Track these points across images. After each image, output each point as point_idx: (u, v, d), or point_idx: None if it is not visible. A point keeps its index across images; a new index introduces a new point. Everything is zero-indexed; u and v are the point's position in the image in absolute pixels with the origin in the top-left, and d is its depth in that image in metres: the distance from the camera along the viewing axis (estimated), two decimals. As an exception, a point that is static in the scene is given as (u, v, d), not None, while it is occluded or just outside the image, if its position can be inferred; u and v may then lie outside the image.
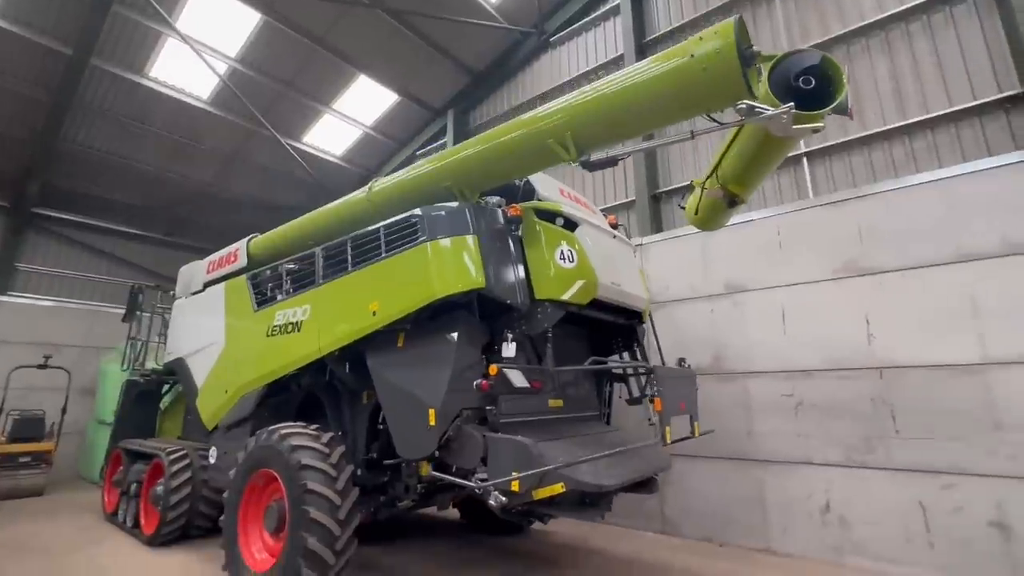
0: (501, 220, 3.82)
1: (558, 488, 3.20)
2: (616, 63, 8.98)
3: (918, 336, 4.87)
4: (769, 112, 2.54)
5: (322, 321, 4.45)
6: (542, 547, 5.69)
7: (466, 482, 3.39)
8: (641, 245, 6.86)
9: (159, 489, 5.81)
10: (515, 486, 3.21)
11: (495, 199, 4.04)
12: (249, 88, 9.87)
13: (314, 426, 4.37)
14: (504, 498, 3.29)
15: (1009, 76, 5.82)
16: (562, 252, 3.75)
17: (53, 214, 11.77)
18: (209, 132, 10.75)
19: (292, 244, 5.42)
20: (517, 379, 3.32)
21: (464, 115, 10.98)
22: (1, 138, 9.78)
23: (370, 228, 4.28)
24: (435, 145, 11.43)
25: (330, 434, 4.28)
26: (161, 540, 5.57)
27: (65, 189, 11.16)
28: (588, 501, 3.63)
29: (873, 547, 4.77)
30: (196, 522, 5.72)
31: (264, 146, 11.39)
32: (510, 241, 3.78)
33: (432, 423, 3.51)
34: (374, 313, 3.96)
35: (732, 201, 3.90)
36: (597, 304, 4.08)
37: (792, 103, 2.51)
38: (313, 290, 4.68)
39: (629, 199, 8.42)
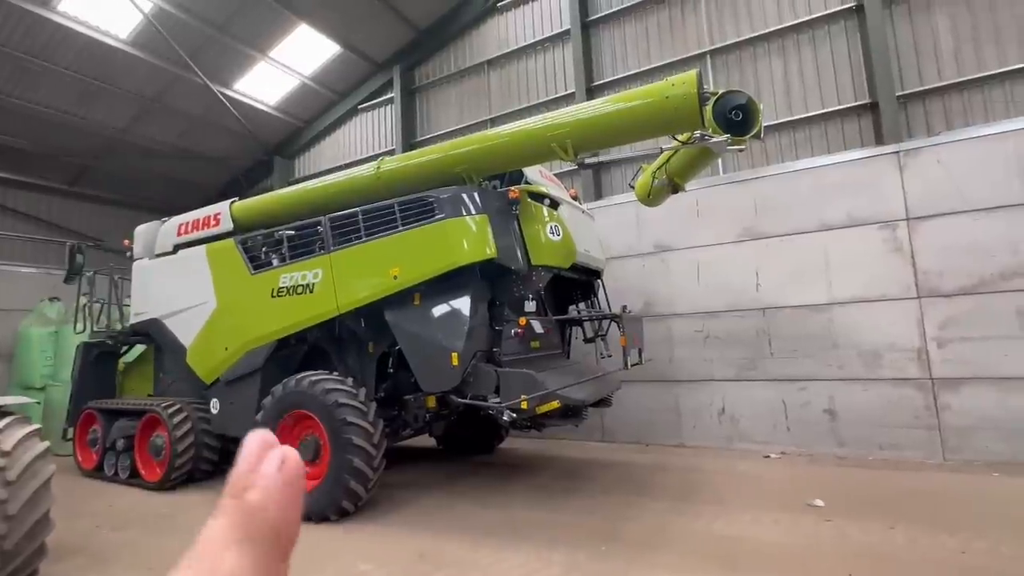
0: (503, 201, 4.72)
1: (555, 404, 4.41)
2: (562, 39, 9.70)
3: (789, 284, 6.65)
4: (714, 139, 3.68)
5: (339, 284, 5.12)
6: (510, 459, 7.05)
7: (486, 404, 4.48)
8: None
9: (159, 440, 6.24)
10: (524, 405, 4.36)
11: (493, 183, 4.91)
12: (176, 30, 9.17)
13: (333, 373, 5.16)
14: (514, 414, 4.44)
15: (861, 88, 7.61)
16: (551, 228, 4.78)
17: (-69, 161, 10.26)
18: (126, 74, 9.85)
19: (287, 211, 5.84)
20: (538, 326, 4.39)
21: (410, 72, 11.08)
22: None
23: (383, 203, 4.96)
24: (381, 100, 11.46)
25: (350, 379, 5.10)
26: (170, 484, 6.09)
27: (-53, 133, 9.75)
28: (570, 413, 4.90)
29: (752, 435, 6.70)
30: (200, 466, 6.27)
31: (188, 92, 10.66)
32: (510, 218, 4.72)
33: (455, 363, 4.50)
34: (395, 277, 4.75)
35: (675, 188, 5.14)
36: (571, 267, 5.21)
37: (728, 135, 3.67)
38: (323, 255, 5.29)
39: (574, 168, 9.42)
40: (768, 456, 6.37)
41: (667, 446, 7.19)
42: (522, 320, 4.40)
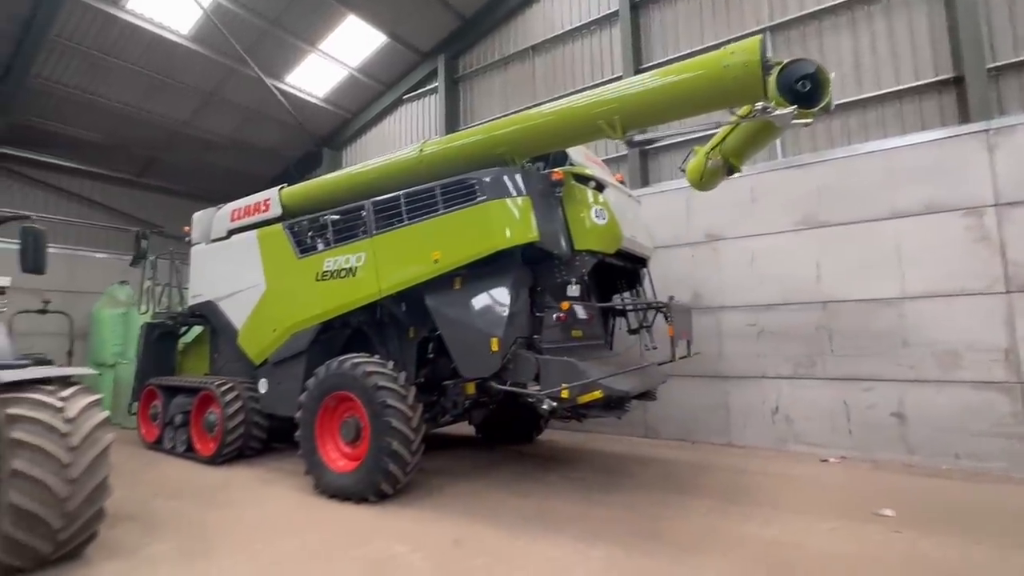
0: (546, 184, 4.56)
1: (597, 394, 4.23)
2: (609, 20, 9.39)
3: (854, 277, 6.15)
4: (779, 112, 3.38)
5: (381, 267, 5.13)
6: (549, 451, 6.92)
7: (526, 391, 4.36)
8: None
9: (212, 417, 6.51)
10: (565, 394, 4.21)
11: (537, 164, 4.76)
12: (233, 24, 9.53)
13: (375, 356, 5.18)
14: (554, 403, 4.30)
15: (945, 61, 6.90)
16: (596, 211, 4.58)
17: (20, 154, 11.15)
18: (187, 69, 10.34)
19: (333, 196, 5.91)
20: (581, 312, 4.24)
21: (454, 60, 11.06)
22: (-40, 70, 9.13)
23: (425, 186, 4.91)
24: (425, 90, 11.52)
25: (391, 362, 5.11)
26: (221, 460, 6.35)
27: (33, 127, 10.54)
28: (613, 405, 4.71)
29: (808, 436, 6.27)
30: (250, 444, 6.51)
31: (244, 85, 11.08)
32: (554, 201, 4.56)
33: (495, 349, 4.41)
34: (436, 261, 4.70)
35: (731, 169, 4.82)
36: (616, 253, 4.99)
37: (796, 106, 3.36)
38: (366, 239, 5.31)
39: (621, 153, 9.18)
40: (826, 460, 5.94)
41: (714, 444, 6.86)
42: (564, 304, 4.24)
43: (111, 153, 12.12)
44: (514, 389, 4.49)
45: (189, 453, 6.80)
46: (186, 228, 7.92)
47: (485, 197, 4.44)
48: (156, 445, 7.39)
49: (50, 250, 11.79)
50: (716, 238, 7.14)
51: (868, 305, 6.05)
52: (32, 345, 10.67)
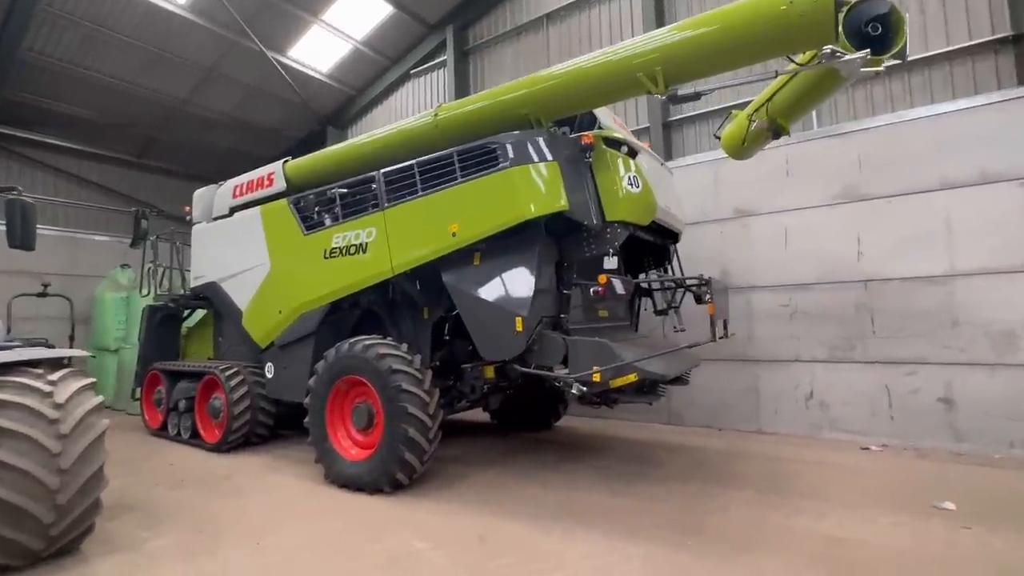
0: (574, 148, 4.16)
1: (632, 378, 3.88)
2: (628, -17, 8.85)
3: (898, 253, 5.73)
4: (847, 56, 2.96)
5: (393, 243, 4.77)
6: (569, 438, 6.61)
7: (553, 375, 4.01)
8: (656, 172, 7.32)
9: (217, 403, 6.23)
10: (596, 377, 3.86)
11: (562, 130, 4.35)
12: (232, -7, 9.10)
13: (387, 338, 4.84)
14: (584, 388, 3.95)
15: (1003, 18, 6.37)
16: (629, 178, 4.18)
17: (14, 133, 10.79)
18: (185, 42, 9.91)
19: (341, 168, 5.53)
20: (619, 287, 3.87)
21: (463, 32, 10.56)
22: (-52, 44, 8.73)
23: (441, 153, 4.52)
24: (433, 64, 11.04)
25: (405, 344, 4.77)
26: (227, 447, 6.07)
27: (26, 104, 10.17)
28: (645, 389, 4.37)
29: (846, 423, 5.91)
30: (256, 430, 6.23)
31: (244, 60, 10.64)
32: (583, 167, 4.16)
33: (519, 329, 4.05)
34: (454, 234, 4.33)
35: (777, 133, 4.39)
36: (647, 227, 4.60)
37: (868, 50, 2.95)
38: (377, 213, 4.94)
39: (642, 126, 8.72)
40: (867, 448, 5.59)
41: (743, 432, 6.52)
42: (602, 278, 3.87)
43: (109, 133, 11.75)
44: (540, 372, 4.15)
45: (194, 440, 6.54)
46: (187, 207, 7.58)
47: (508, 163, 4.04)
48: (160, 431, 7.14)
49: (50, 232, 11.56)
50: (746, 214, 6.72)
51: (913, 283, 5.65)
52: (36, 329, 10.45)
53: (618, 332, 5.10)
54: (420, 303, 5.21)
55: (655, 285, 5.18)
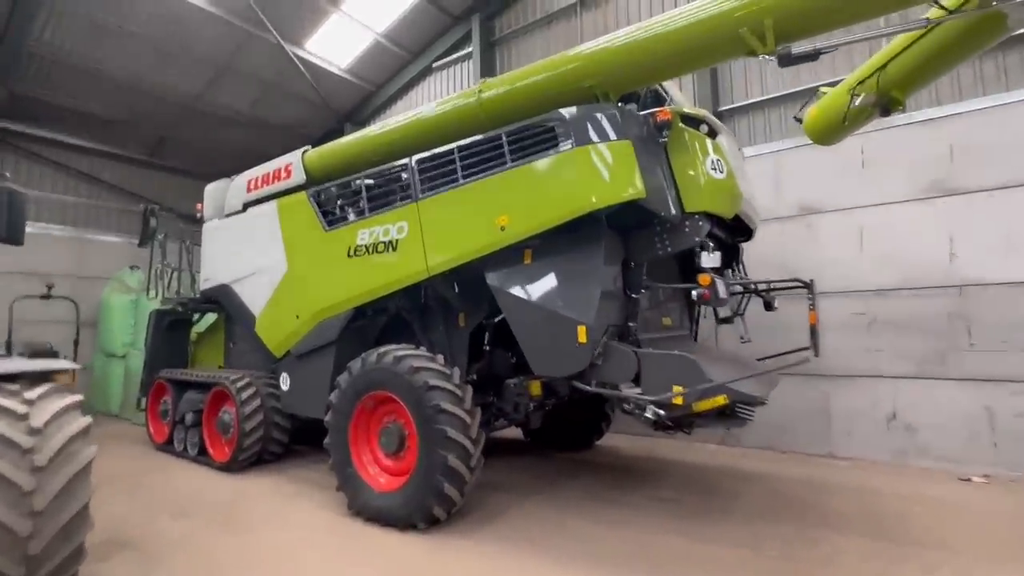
0: (646, 128, 3.52)
1: (721, 401, 3.22)
2: (669, -36, 8.20)
3: (1000, 254, 5.01)
4: (1027, -3, 2.32)
5: (429, 239, 4.16)
6: (612, 460, 5.93)
7: (621, 394, 3.35)
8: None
9: (226, 417, 5.64)
10: (679, 400, 3.20)
11: (628, 107, 3.72)
12: (248, -20, 8.64)
13: (420, 348, 4.22)
14: (661, 411, 3.29)
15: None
16: (712, 162, 3.54)
17: (23, 129, 10.39)
18: (200, 34, 9.45)
19: (368, 156, 4.94)
20: (722, 289, 3.22)
21: (489, 22, 10.03)
22: (-46, 34, 8.34)
23: (487, 135, 3.91)
24: (457, 56, 10.49)
25: (440, 356, 4.15)
26: (237, 467, 5.48)
27: (35, 99, 9.76)
28: (728, 412, 3.69)
29: (937, 449, 5.17)
30: (269, 448, 5.63)
31: (261, 54, 10.15)
32: (657, 148, 3.52)
33: (582, 340, 3.41)
34: (502, 228, 3.70)
35: (886, 108, 3.71)
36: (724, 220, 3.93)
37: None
38: (409, 205, 4.34)
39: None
40: (967, 479, 4.84)
41: (811, 456, 5.80)
42: (705, 278, 3.21)
43: (120, 130, 11.33)
44: (605, 392, 3.50)
45: (201, 457, 5.95)
46: (199, 205, 7.05)
47: (572, 142, 3.41)
48: (165, 446, 6.57)
49: (57, 232, 11.09)
50: (812, 211, 6.03)
51: (1019, 289, 4.91)
52: (42, 333, 10.05)
53: (681, 343, 4.44)
54: (456, 308, 4.59)
55: (762, 287, 4.46)
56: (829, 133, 4.21)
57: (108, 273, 10.79)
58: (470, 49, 10.20)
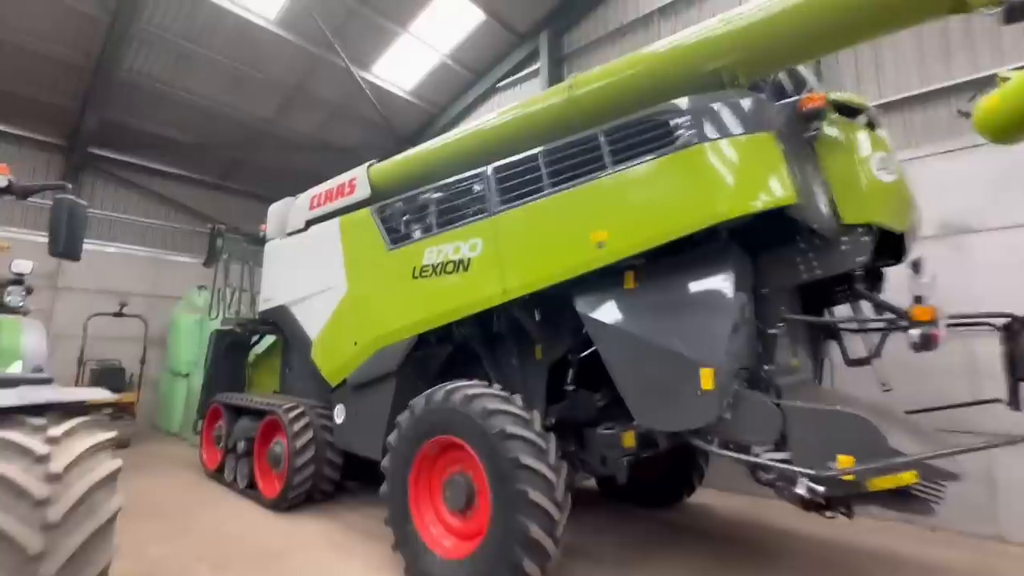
0: (788, 119, 2.79)
1: (909, 478, 2.36)
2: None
3: None
4: None
5: (507, 258, 3.56)
6: (714, 523, 4.99)
7: (762, 462, 2.55)
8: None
9: (278, 449, 5.22)
10: (850, 476, 2.36)
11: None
12: (320, 5, 8.72)
13: (496, 386, 3.58)
14: (820, 487, 2.45)
15: None
16: (879, 160, 2.74)
17: (110, 155, 10.99)
18: (272, 58, 9.68)
19: (441, 168, 4.47)
20: (942, 328, 2.42)
21: (558, 38, 9.67)
22: (56, 64, 8.88)
23: (580, 135, 3.30)
24: (523, 74, 10.19)
25: (518, 396, 3.49)
26: (287, 505, 5.01)
27: (121, 125, 10.30)
28: (902, 493, 2.77)
29: None
30: (321, 486, 5.14)
31: (329, 78, 10.28)
32: (803, 146, 2.77)
33: (707, 386, 2.64)
34: (600, 244, 3.04)
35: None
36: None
37: None
38: (484, 220, 3.78)
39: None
40: None
41: (971, 535, 4.61)
42: (927, 313, 2.38)
43: (197, 154, 11.79)
44: (736, 456, 2.69)
45: (251, 490, 5.55)
46: (263, 226, 6.90)
47: (695, 136, 2.72)
48: (217, 473, 6.26)
49: (138, 253, 11.51)
50: (960, 230, 4.98)
51: None
52: (114, 350, 10.37)
53: (816, 390, 3.56)
54: (534, 339, 3.94)
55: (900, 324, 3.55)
56: (1014, 128, 3.29)
57: (181, 292, 11.05)
58: (536, 66, 9.83)
